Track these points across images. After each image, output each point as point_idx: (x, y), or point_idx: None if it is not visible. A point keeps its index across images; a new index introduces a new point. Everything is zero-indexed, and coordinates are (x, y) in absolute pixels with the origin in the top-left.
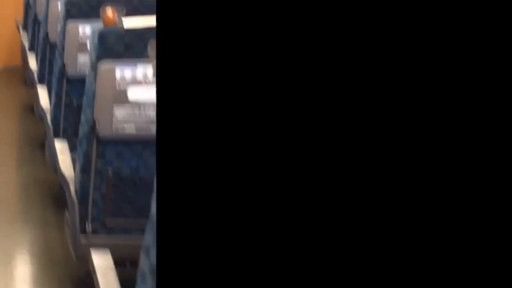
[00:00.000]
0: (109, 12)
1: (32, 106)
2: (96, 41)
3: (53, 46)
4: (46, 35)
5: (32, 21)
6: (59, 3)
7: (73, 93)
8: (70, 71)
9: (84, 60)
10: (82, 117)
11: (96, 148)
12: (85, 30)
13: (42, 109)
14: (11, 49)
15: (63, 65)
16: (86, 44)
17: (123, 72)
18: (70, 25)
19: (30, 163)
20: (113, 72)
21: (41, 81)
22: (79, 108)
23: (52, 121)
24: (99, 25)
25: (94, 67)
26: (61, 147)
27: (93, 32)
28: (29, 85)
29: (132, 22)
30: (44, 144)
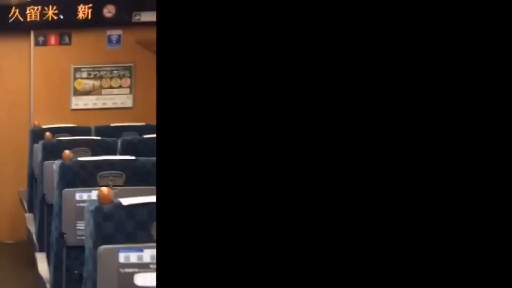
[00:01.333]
0: (105, 190)
1: None
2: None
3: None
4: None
5: (40, 204)
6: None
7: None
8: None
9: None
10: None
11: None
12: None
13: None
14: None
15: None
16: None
17: None
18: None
19: None
20: None
21: None
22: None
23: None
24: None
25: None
26: None
27: (90, 209)
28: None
29: (128, 200)
30: None
